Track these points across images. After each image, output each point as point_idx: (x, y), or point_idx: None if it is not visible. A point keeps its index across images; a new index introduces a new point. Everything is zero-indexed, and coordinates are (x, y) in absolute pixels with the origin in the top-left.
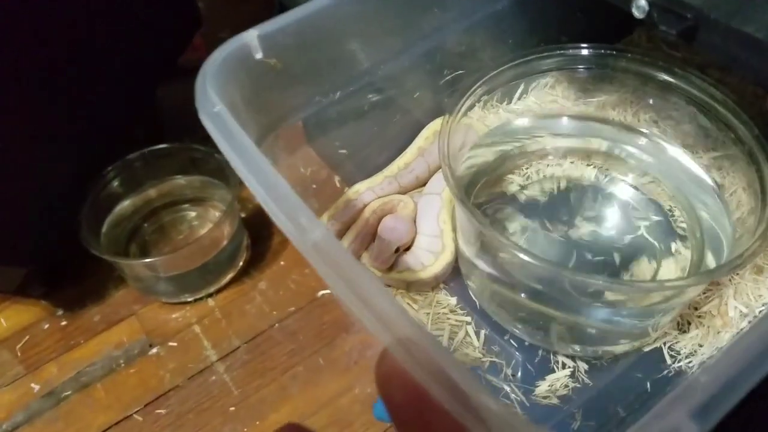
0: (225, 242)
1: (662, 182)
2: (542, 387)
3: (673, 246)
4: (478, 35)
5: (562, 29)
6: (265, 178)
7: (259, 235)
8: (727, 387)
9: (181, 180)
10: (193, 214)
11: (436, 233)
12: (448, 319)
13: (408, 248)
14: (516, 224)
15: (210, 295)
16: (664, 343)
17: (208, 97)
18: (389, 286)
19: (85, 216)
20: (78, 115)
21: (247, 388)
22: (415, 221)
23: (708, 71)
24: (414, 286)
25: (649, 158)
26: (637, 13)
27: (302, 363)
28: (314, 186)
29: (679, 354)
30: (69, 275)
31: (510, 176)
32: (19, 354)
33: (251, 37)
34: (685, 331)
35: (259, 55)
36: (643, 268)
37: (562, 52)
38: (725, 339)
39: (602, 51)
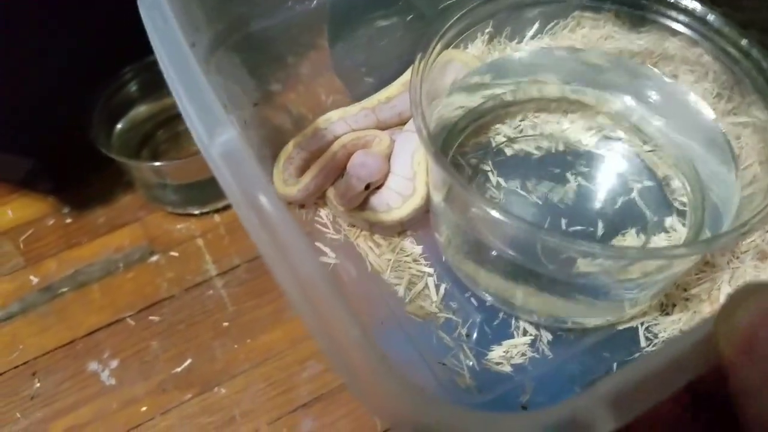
0: None
1: (667, 149)
2: (496, 352)
3: (668, 221)
4: None
5: None
6: (180, 66)
7: None
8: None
9: None
10: None
11: (408, 175)
12: (410, 268)
13: (379, 187)
14: (493, 181)
15: (217, 211)
16: (642, 323)
17: None
18: (352, 226)
19: (97, 115)
20: (94, 7)
21: (242, 307)
22: (389, 158)
23: (751, 32)
24: (377, 228)
25: (660, 120)
26: None
27: None
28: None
29: (656, 337)
30: (78, 175)
31: (500, 126)
32: (21, 246)
33: None
34: (667, 313)
35: None
36: (629, 242)
37: None
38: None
39: None
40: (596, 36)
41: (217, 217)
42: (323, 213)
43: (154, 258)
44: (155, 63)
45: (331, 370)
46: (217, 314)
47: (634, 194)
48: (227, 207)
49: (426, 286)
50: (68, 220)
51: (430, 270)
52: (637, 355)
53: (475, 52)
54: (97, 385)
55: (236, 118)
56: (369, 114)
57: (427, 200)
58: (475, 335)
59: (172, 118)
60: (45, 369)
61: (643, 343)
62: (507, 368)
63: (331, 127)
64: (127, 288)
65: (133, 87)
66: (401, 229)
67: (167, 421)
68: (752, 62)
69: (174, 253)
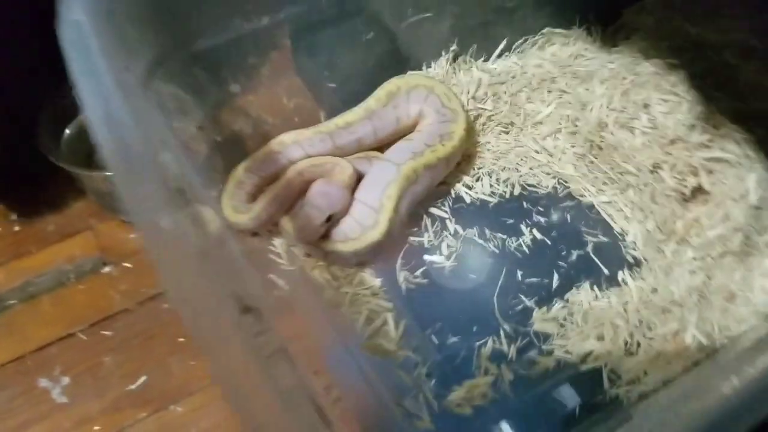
0: None
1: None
2: (458, 393)
3: (620, 275)
4: None
5: None
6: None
7: None
8: None
9: None
10: None
11: (374, 205)
12: (368, 302)
13: (340, 218)
14: (452, 228)
15: None
16: (606, 364)
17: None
18: (308, 255)
19: (45, 121)
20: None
21: None
22: (351, 188)
23: (724, 53)
24: (332, 258)
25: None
26: None
27: None
28: (296, 119)
29: (620, 379)
30: (28, 181)
31: (459, 175)
32: None
33: None
34: (632, 353)
35: None
36: (583, 295)
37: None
38: (675, 370)
39: None
40: (566, 54)
41: None
42: (277, 242)
43: (107, 269)
44: None
45: None
46: (173, 328)
47: (589, 247)
48: None
49: (385, 322)
50: (17, 228)
51: (389, 305)
52: (599, 396)
53: (439, 71)
54: (49, 402)
55: (178, 141)
56: (325, 139)
57: (387, 236)
58: (435, 376)
59: None
60: None
61: (606, 384)
62: (467, 410)
63: (285, 152)
64: (79, 300)
65: None
66: (356, 261)
67: None
68: (727, 92)
69: (127, 264)
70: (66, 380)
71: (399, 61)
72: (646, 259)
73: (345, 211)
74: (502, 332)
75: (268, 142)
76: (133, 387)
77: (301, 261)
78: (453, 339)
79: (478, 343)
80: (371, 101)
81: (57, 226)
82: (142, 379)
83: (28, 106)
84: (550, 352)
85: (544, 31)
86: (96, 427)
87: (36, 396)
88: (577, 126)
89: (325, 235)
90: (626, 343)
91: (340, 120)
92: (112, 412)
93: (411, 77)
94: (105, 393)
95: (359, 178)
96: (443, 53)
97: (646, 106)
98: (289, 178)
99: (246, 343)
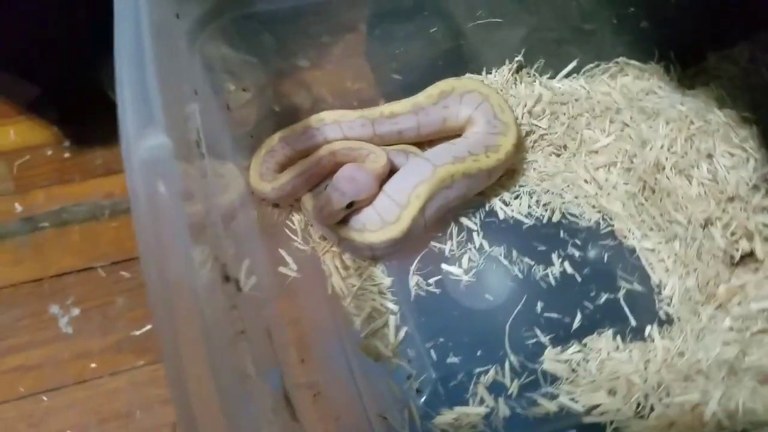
0: None
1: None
2: (445, 417)
3: (648, 329)
4: None
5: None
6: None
7: None
8: None
9: None
10: None
11: (400, 201)
12: (374, 300)
13: (363, 206)
14: (478, 242)
15: None
16: (611, 422)
17: None
18: (324, 238)
19: (111, 59)
20: None
21: None
22: (381, 179)
23: None
24: (345, 246)
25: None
26: None
27: None
28: (355, 103)
29: None
30: (85, 111)
31: (498, 188)
32: (14, 171)
33: None
34: (642, 416)
35: None
36: (603, 343)
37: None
38: None
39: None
40: (638, 88)
41: None
42: (296, 218)
43: None
44: None
45: None
46: None
47: (621, 293)
48: None
49: (386, 324)
50: (66, 154)
51: (395, 307)
52: None
53: (499, 80)
54: (54, 330)
55: (218, 100)
56: (366, 124)
57: (407, 235)
58: (426, 393)
59: None
60: (7, 301)
61: None
62: None
63: (323, 128)
64: (108, 237)
65: None
66: (371, 254)
67: (115, 383)
68: None
69: None
70: (76, 312)
71: (461, 62)
72: (679, 318)
73: (369, 200)
74: (507, 363)
75: (309, 117)
76: (137, 333)
77: (315, 242)
78: (453, 359)
79: (479, 370)
80: (421, 97)
81: (104, 161)
82: (147, 327)
83: (97, 40)
84: (554, 396)
85: (619, 60)
86: (93, 365)
87: (44, 321)
88: (633, 163)
89: (344, 221)
90: (639, 405)
91: (386, 108)
92: (112, 353)
93: (468, 81)
94: (109, 333)
95: (393, 171)
96: (507, 62)
97: (709, 156)
98: (321, 156)
99: (218, 312)
